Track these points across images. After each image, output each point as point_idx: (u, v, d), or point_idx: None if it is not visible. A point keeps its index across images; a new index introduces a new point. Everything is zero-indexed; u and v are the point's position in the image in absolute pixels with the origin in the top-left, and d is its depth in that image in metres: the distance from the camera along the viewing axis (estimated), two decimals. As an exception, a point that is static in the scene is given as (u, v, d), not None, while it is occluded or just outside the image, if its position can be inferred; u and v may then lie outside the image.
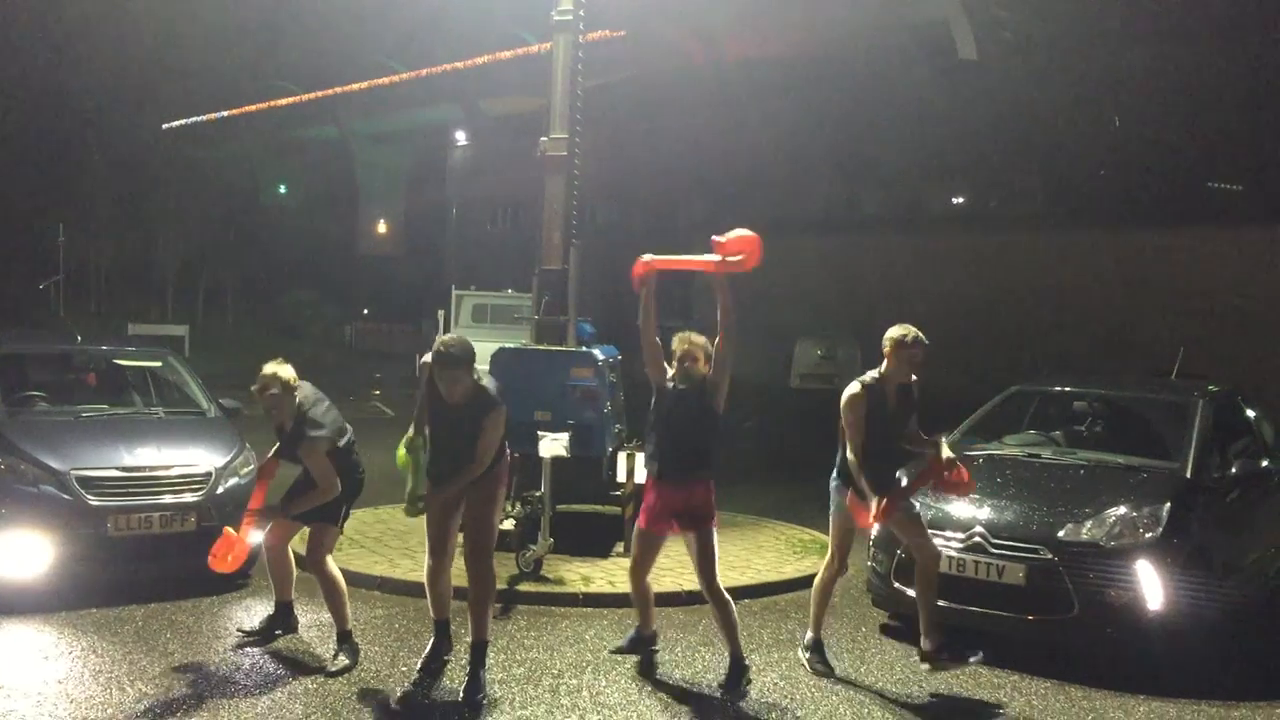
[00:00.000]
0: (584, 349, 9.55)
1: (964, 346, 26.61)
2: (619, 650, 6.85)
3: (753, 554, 9.57)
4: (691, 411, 6.30)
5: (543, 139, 9.64)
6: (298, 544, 7.06)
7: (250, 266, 50.17)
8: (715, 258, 6.34)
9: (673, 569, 8.73)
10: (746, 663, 6.35)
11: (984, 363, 24.04)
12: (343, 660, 6.41)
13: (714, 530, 6.33)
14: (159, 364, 9.41)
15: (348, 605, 6.60)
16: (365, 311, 51.75)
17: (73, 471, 7.54)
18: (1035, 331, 25.98)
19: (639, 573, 6.58)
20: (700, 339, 6.34)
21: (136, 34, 46.89)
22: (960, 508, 7.34)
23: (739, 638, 6.34)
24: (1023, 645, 7.02)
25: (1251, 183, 25.56)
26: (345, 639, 6.54)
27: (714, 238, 6.38)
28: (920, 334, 6.44)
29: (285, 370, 6.35)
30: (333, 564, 6.57)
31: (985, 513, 7.22)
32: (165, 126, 57.52)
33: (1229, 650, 7.16)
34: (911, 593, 7.35)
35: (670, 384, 6.35)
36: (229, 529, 6.59)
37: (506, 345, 9.84)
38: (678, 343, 6.34)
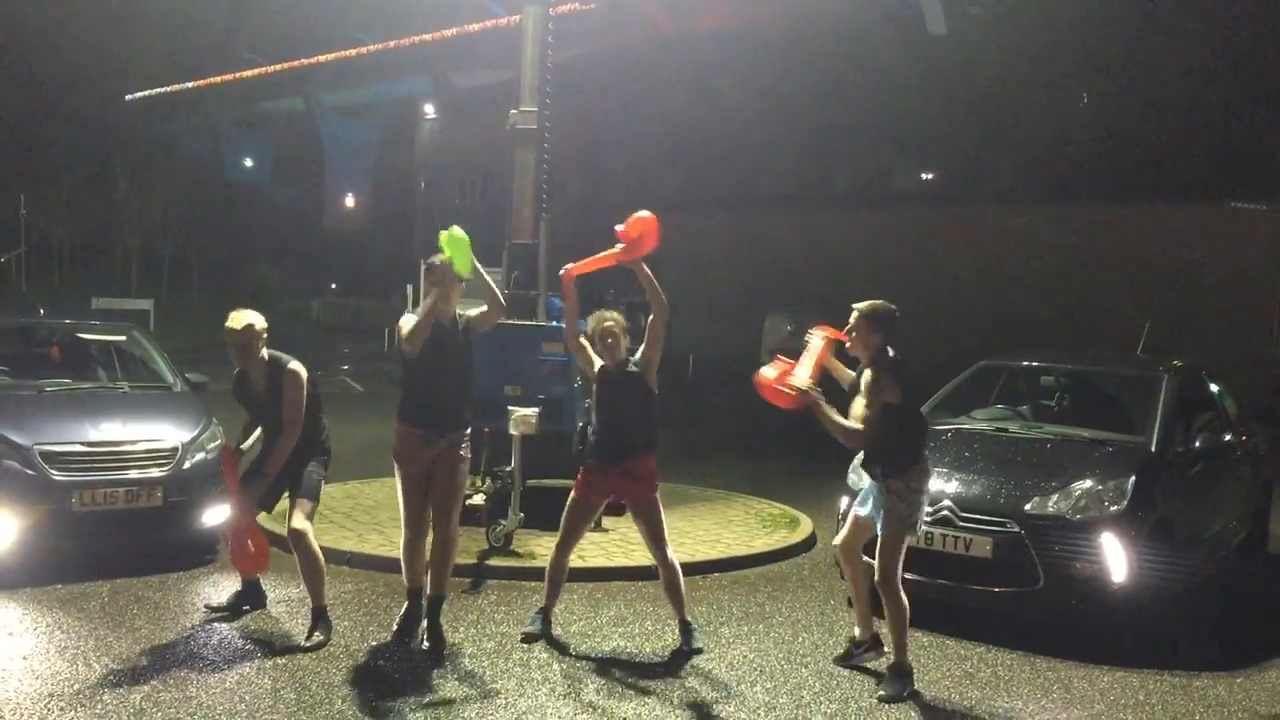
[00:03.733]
0: (554, 323, 9.52)
1: (933, 320, 26.75)
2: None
3: (722, 528, 9.60)
4: (629, 393, 6.44)
5: (513, 112, 9.57)
6: (270, 521, 7.03)
7: (215, 240, 49.69)
8: (620, 247, 6.39)
9: (641, 544, 8.74)
10: (692, 624, 6.62)
11: (953, 336, 24.18)
12: (318, 636, 6.39)
13: (657, 500, 6.63)
14: (123, 338, 9.30)
15: (325, 582, 6.57)
16: (333, 286, 51.39)
17: (36, 446, 7.45)
18: (1004, 305, 26.13)
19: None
20: (615, 316, 6.50)
21: (99, 3, 46.20)
22: (929, 481, 7.38)
23: (685, 602, 6.63)
24: (989, 617, 7.09)
25: (1216, 159, 25.75)
26: (320, 615, 6.50)
27: (616, 228, 6.42)
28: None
29: (259, 318, 6.52)
30: (313, 539, 6.53)
31: (953, 486, 7.28)
32: (129, 98, 56.75)
33: (1191, 621, 7.27)
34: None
35: (603, 369, 6.48)
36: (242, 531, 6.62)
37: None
38: (594, 322, 6.49)
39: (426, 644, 6.40)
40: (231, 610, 6.87)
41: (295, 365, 6.50)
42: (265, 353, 6.51)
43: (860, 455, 7.18)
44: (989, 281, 27.63)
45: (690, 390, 22.92)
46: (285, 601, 7.15)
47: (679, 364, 23.66)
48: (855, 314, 6.07)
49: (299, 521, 6.43)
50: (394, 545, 8.40)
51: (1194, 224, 25.21)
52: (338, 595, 7.40)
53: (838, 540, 6.50)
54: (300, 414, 6.46)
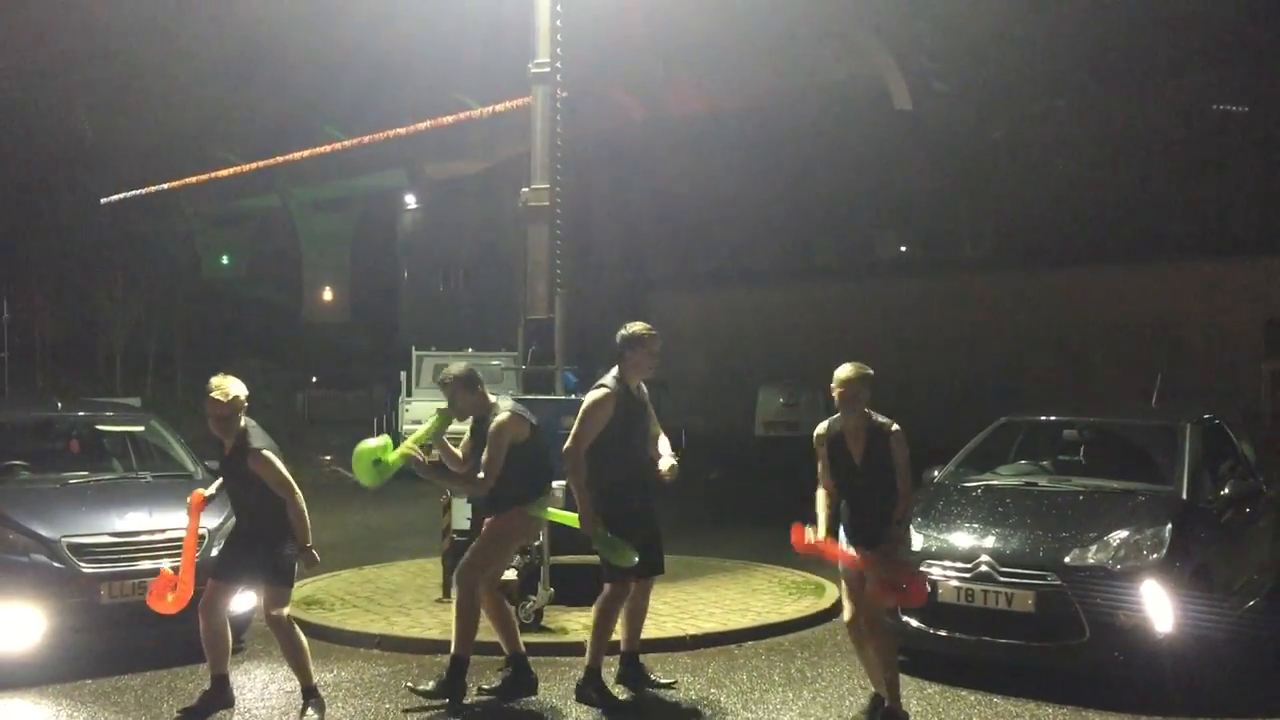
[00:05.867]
0: (574, 397, 9.50)
1: (926, 387, 26.88)
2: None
3: (749, 596, 9.53)
4: None
5: (524, 189, 9.66)
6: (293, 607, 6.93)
7: (196, 338, 49.51)
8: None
9: (673, 614, 8.69)
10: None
11: (945, 402, 24.29)
12: (312, 715, 6.32)
13: None
14: (142, 428, 9.22)
15: (309, 660, 6.45)
16: (314, 379, 51.16)
17: (64, 539, 7.34)
18: (992, 370, 26.29)
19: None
20: None
21: (72, 109, 46.54)
22: (963, 538, 7.40)
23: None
24: (1033, 673, 7.03)
25: (1194, 218, 26.23)
26: (311, 694, 6.41)
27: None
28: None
29: (243, 387, 6.39)
30: (292, 622, 6.41)
31: (990, 541, 7.26)
32: (104, 201, 56.86)
33: (1235, 667, 7.23)
34: (916, 624, 7.38)
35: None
36: (166, 568, 6.59)
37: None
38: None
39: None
40: (199, 712, 6.43)
41: (262, 450, 6.27)
42: (243, 421, 6.37)
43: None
44: (978, 346, 27.82)
45: (684, 465, 22.80)
46: (321, 686, 7.01)
47: (673, 439, 23.48)
48: (850, 377, 6.30)
49: (275, 608, 6.31)
50: (422, 626, 8.37)
51: (1175, 282, 25.55)
52: (373, 678, 7.31)
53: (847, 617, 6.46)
54: (288, 486, 6.29)
